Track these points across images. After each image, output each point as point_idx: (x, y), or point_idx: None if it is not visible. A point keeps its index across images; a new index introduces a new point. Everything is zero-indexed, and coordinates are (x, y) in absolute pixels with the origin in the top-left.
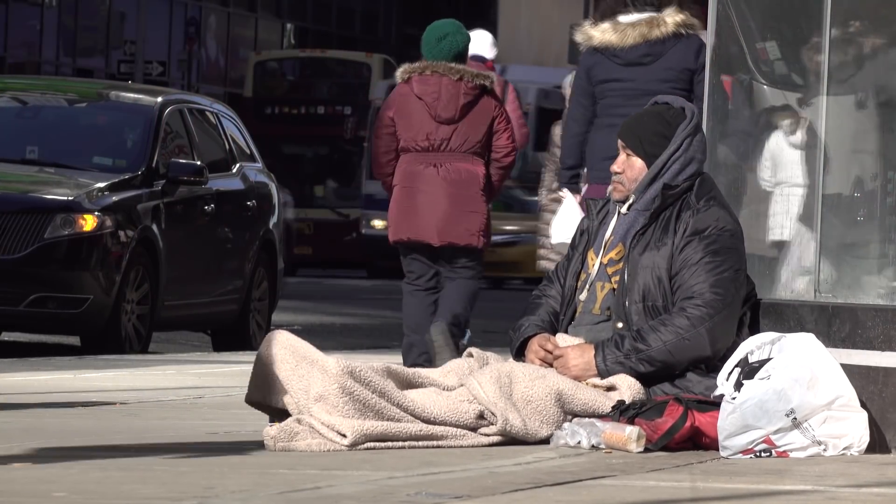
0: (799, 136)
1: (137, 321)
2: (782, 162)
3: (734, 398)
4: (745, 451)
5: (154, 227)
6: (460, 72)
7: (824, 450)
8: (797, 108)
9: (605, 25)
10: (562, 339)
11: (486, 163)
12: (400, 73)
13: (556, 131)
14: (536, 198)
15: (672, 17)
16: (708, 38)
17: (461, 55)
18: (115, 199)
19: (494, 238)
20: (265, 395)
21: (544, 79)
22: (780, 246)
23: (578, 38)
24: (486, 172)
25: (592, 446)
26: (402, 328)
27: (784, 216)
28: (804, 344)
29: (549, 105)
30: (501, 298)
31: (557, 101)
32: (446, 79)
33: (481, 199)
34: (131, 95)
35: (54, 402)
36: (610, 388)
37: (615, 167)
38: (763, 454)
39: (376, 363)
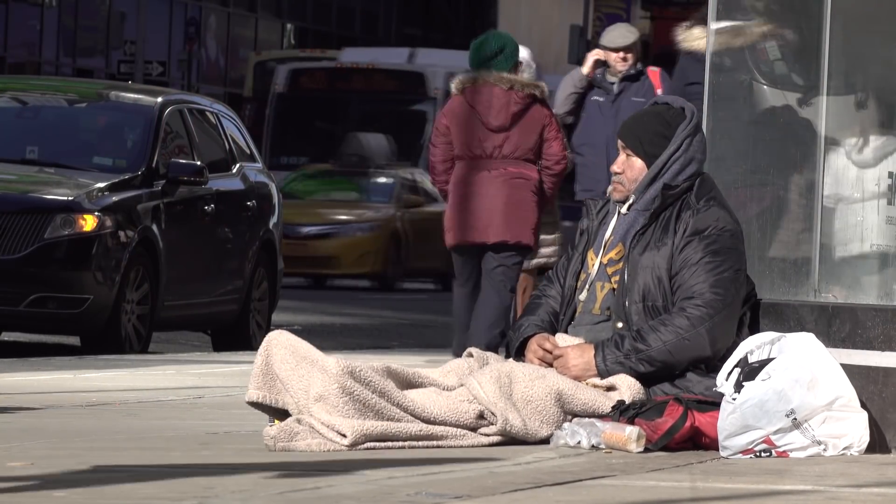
0: (865, 155)
1: (137, 321)
2: (845, 180)
3: (734, 398)
4: (745, 451)
5: (154, 227)
6: (511, 81)
7: (824, 450)
8: (796, 109)
9: (697, 31)
10: (562, 339)
11: (538, 168)
12: (455, 84)
13: None
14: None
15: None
16: (708, 37)
17: (488, 60)
18: (115, 199)
19: (308, 230)
20: (265, 395)
21: (454, 62)
22: (848, 261)
23: (678, 39)
24: (539, 178)
25: (592, 446)
26: (402, 328)
27: (848, 231)
28: (804, 344)
29: None
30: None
31: None
32: (497, 88)
33: (534, 202)
34: (131, 95)
35: (54, 402)
36: (610, 388)
37: (615, 167)
38: (763, 454)
39: (376, 363)
